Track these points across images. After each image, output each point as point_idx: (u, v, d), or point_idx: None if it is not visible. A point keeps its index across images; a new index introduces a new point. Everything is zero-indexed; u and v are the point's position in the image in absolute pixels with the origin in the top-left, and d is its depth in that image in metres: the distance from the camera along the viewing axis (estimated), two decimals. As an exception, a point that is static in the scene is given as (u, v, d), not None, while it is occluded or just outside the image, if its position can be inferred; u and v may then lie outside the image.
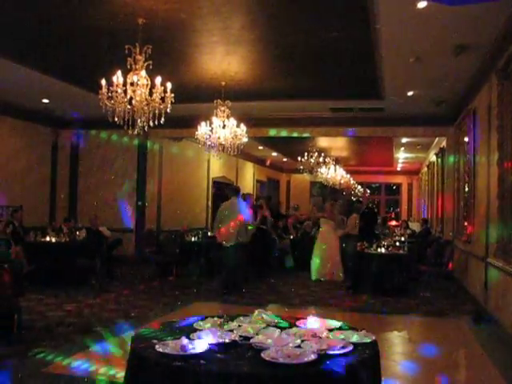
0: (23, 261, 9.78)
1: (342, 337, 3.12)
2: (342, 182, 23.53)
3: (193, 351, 2.80)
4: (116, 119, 7.35)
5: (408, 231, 17.16)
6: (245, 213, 10.67)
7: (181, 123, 12.96)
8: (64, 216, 14.03)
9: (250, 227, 10.99)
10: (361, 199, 19.81)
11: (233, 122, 10.19)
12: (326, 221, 13.04)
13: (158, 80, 7.23)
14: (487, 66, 8.50)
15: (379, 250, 10.97)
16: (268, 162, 25.63)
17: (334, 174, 21.56)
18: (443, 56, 8.41)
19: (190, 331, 3.19)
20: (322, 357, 2.76)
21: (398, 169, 27.70)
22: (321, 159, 19.08)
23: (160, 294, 10.18)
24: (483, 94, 9.26)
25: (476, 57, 8.35)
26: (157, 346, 2.85)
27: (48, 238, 11.18)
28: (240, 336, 3.08)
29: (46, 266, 10.33)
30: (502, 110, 7.68)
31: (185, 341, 2.87)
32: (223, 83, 10.14)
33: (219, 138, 10.19)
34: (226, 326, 3.33)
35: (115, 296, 9.92)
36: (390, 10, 6.74)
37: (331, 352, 2.83)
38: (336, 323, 3.54)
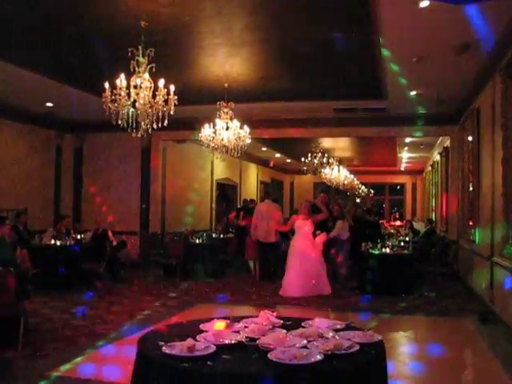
0: (28, 264, 9.81)
1: (348, 337, 3.12)
2: (346, 182, 23.48)
3: (199, 353, 2.80)
4: (120, 122, 7.36)
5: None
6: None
7: (184, 125, 12.96)
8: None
9: None
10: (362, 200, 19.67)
11: (236, 123, 10.20)
12: (302, 223, 10.74)
13: (161, 82, 7.23)
14: (491, 64, 8.48)
15: (384, 250, 10.96)
16: (271, 163, 25.63)
17: (338, 174, 21.54)
18: (446, 55, 8.39)
19: (196, 333, 3.19)
20: (329, 357, 2.76)
21: (402, 168, 27.64)
22: (324, 160, 19.06)
23: (165, 296, 10.18)
24: (487, 93, 9.24)
25: (479, 55, 8.32)
26: (163, 348, 2.86)
27: (53, 241, 11.19)
28: (246, 337, 3.09)
29: (50, 269, 10.36)
30: (506, 108, 7.67)
31: (191, 342, 2.88)
32: (226, 85, 10.14)
33: (222, 139, 10.19)
34: (232, 328, 3.33)
35: (120, 298, 9.94)
36: (393, 10, 6.74)
37: (337, 352, 2.83)
38: (342, 324, 3.54)
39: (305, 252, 10.42)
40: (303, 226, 10.69)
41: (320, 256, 10.60)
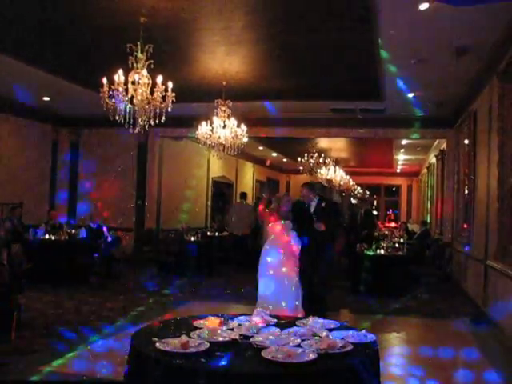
0: (22, 258, 9.78)
1: (342, 337, 3.12)
2: (342, 183, 23.48)
3: (193, 349, 2.81)
4: (117, 118, 7.35)
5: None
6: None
7: (181, 122, 12.96)
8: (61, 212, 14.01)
9: None
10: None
11: (233, 121, 10.19)
12: (272, 225, 7.28)
13: (159, 79, 7.22)
14: (488, 68, 8.50)
15: (378, 251, 10.98)
16: (268, 163, 25.61)
17: (334, 174, 21.54)
18: (444, 58, 8.40)
19: (190, 329, 3.19)
20: (322, 356, 2.77)
21: (398, 170, 27.68)
22: (321, 160, 19.07)
23: (159, 293, 10.17)
24: (484, 96, 9.26)
25: (477, 59, 8.33)
26: (157, 344, 2.86)
27: (47, 236, 11.17)
28: (240, 335, 3.09)
29: (45, 263, 10.33)
30: (502, 112, 7.68)
31: (185, 339, 2.88)
32: (224, 83, 10.12)
33: (219, 137, 10.18)
34: (226, 325, 3.33)
35: (114, 294, 9.92)
36: (392, 12, 6.74)
37: (331, 351, 2.84)
38: (336, 323, 3.55)
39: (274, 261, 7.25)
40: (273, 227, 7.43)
41: (294, 266, 7.24)
